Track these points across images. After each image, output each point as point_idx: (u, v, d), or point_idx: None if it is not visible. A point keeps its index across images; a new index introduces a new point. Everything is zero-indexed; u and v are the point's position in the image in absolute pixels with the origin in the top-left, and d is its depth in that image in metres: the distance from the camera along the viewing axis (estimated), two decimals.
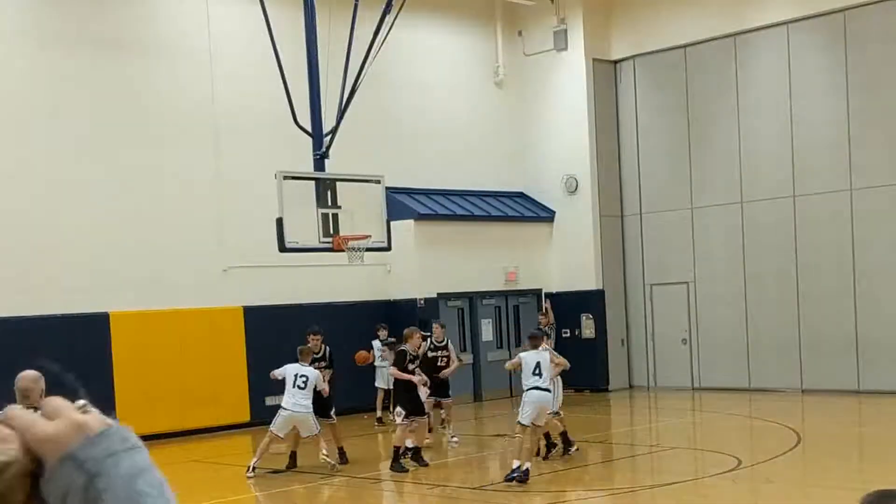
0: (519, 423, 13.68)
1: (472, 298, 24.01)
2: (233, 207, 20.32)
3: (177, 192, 19.91)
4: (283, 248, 15.50)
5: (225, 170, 20.40)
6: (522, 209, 25.26)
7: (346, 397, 18.68)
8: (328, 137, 16.50)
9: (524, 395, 13.82)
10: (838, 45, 21.85)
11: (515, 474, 13.40)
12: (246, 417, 20.33)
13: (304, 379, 14.81)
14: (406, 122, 23.55)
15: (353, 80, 16.51)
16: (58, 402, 1.05)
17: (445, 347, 16.89)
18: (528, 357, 13.95)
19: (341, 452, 15.34)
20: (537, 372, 13.79)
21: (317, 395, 14.94)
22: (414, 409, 14.91)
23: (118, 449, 1.00)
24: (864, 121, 21.50)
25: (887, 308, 21.26)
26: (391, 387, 17.33)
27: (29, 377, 7.92)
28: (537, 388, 13.74)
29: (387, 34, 16.64)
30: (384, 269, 22.55)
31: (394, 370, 15.43)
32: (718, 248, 23.72)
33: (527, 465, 13.50)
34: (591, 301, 24.72)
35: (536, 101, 25.54)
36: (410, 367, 15.39)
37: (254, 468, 14.80)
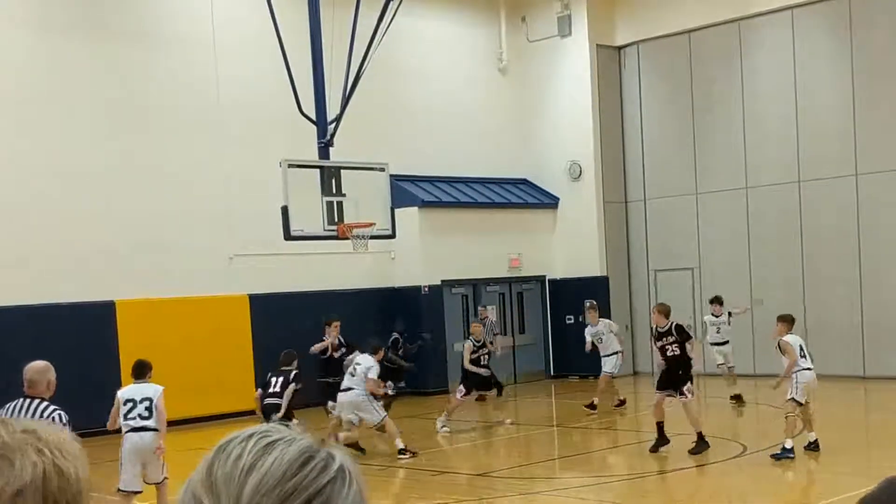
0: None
1: (476, 285, 24.03)
2: (238, 196, 20.33)
3: (182, 180, 19.92)
4: (288, 236, 15.50)
5: (230, 158, 20.40)
6: (526, 196, 25.26)
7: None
8: (332, 125, 16.47)
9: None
10: (843, 30, 21.78)
11: None
12: (252, 405, 20.35)
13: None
14: (410, 110, 23.53)
15: (356, 68, 16.47)
16: None
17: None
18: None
19: None
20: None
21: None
22: None
23: None
24: (869, 105, 21.45)
25: (893, 293, 21.25)
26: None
27: (35, 368, 7.91)
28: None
29: (390, 21, 16.59)
30: (388, 257, 22.56)
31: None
32: (723, 234, 23.70)
33: None
34: (595, 287, 24.71)
35: (540, 87, 25.50)
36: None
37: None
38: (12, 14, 18.43)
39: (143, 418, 10.45)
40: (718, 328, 19.41)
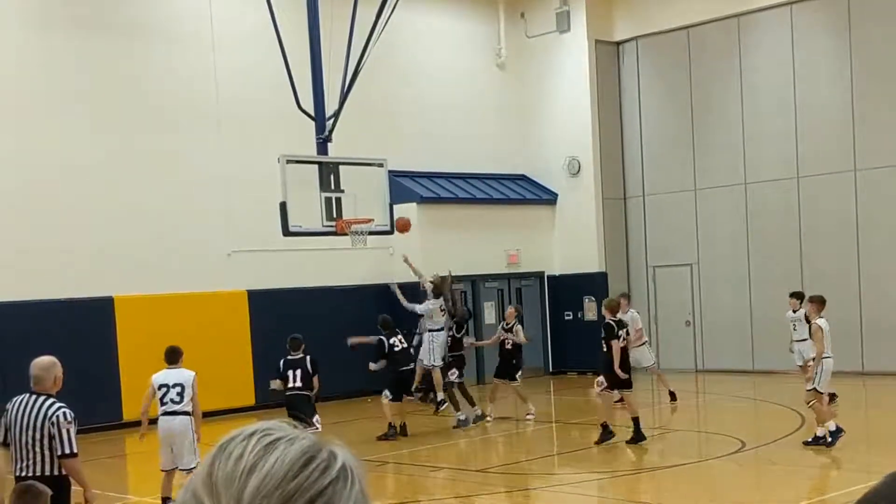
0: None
1: (475, 281, 24.01)
2: (236, 191, 20.32)
3: (180, 176, 19.90)
4: (286, 232, 15.49)
5: (228, 154, 20.38)
6: (525, 192, 25.25)
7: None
8: (331, 121, 16.46)
9: None
10: (842, 26, 21.77)
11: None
12: (251, 401, 20.38)
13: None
14: (408, 106, 23.51)
15: (355, 64, 16.46)
16: None
17: (511, 329, 17.85)
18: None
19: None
20: None
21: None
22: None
23: None
24: (868, 101, 21.44)
25: (891, 289, 21.26)
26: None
27: (41, 364, 7.83)
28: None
29: (389, 17, 16.57)
30: (387, 253, 22.52)
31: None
32: (722, 230, 23.70)
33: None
34: (594, 283, 24.72)
35: (539, 83, 25.49)
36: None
37: None
38: (9, 10, 18.40)
39: (174, 402, 10.81)
40: (794, 325, 17.83)
